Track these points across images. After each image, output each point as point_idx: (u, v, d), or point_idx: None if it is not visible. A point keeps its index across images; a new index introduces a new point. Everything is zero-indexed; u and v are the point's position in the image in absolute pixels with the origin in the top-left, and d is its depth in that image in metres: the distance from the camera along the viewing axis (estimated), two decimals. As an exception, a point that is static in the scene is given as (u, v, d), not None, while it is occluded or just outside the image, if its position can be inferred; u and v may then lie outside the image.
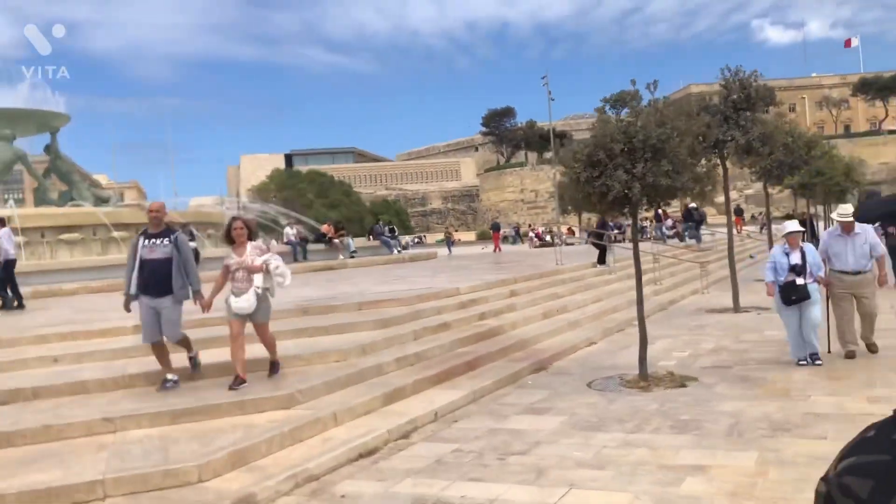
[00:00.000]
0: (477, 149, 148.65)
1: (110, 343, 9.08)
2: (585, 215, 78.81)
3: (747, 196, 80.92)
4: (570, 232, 56.99)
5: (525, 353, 9.67)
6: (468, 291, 12.85)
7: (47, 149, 29.85)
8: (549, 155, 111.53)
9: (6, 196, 27.56)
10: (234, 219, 7.51)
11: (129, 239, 25.67)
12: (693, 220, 28.67)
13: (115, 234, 23.86)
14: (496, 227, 45.66)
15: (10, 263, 13.94)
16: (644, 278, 18.13)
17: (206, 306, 7.39)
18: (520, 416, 6.83)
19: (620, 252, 19.22)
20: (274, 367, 7.55)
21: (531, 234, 49.51)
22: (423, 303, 11.36)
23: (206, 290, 7.43)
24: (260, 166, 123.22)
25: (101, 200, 29.93)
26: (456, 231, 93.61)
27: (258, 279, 7.17)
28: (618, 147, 7.29)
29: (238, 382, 6.92)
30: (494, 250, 39.58)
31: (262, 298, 7.27)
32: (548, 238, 48.04)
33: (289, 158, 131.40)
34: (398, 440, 6.23)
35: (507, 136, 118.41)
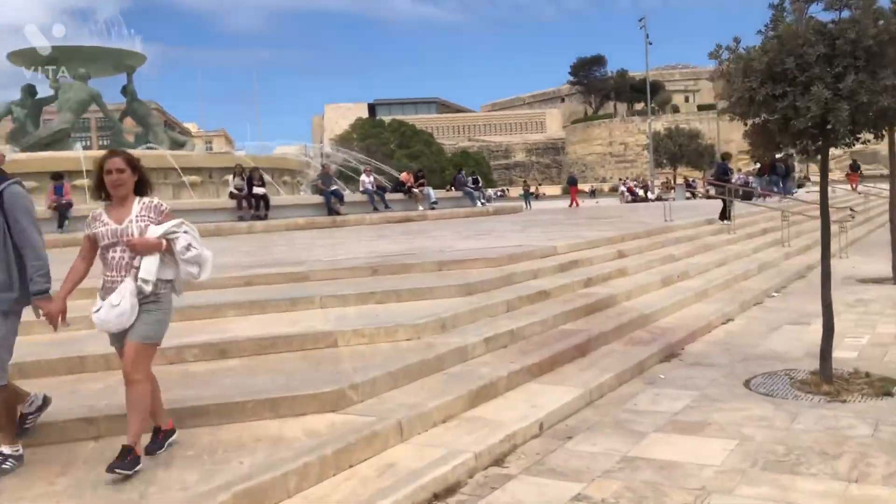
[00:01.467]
0: (563, 100, 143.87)
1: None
2: (679, 169, 74.70)
3: None
4: (667, 186, 53.59)
5: (648, 332, 7.56)
6: (568, 251, 10.75)
7: (124, 90, 28.90)
8: (640, 106, 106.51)
9: (74, 138, 26.54)
10: (109, 154, 4.22)
11: (201, 184, 24.62)
12: (776, 174, 25.77)
13: (186, 178, 22.68)
14: (573, 182, 42.92)
15: None
16: (768, 238, 15.74)
17: (54, 316, 4.11)
18: (662, 433, 4.79)
19: (741, 207, 16.67)
20: (157, 437, 4.24)
21: (622, 188, 46.48)
22: (514, 264, 9.35)
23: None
24: (343, 115, 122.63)
25: (176, 144, 28.91)
26: (539, 185, 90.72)
27: (147, 265, 3.99)
28: (814, 52, 5.01)
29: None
30: (571, 205, 37.14)
31: (153, 301, 4.06)
32: (640, 192, 45.01)
33: (372, 108, 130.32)
34: (489, 468, 4.31)
35: (596, 86, 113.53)
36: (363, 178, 21.59)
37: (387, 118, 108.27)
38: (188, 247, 4.08)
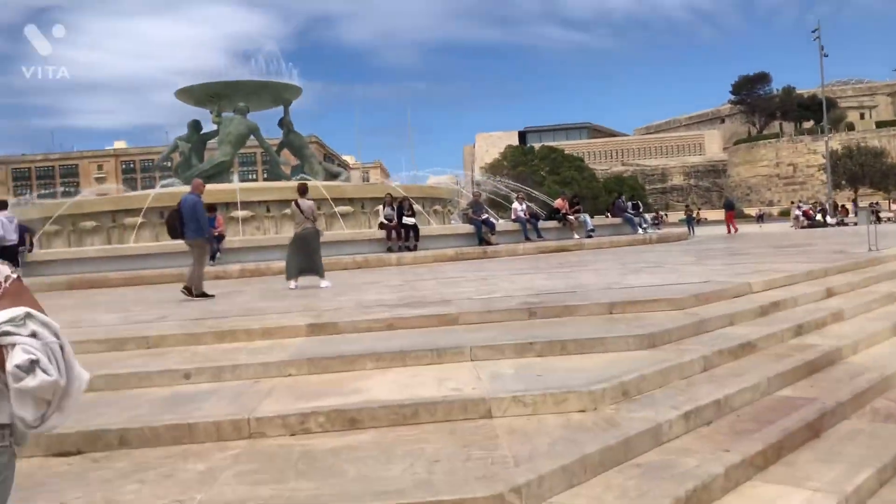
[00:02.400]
0: (723, 120, 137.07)
1: (268, 351, 6.60)
2: (861, 190, 68.04)
3: None
4: (844, 210, 48.74)
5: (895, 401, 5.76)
6: (764, 288, 8.97)
7: (281, 122, 29.53)
8: (808, 124, 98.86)
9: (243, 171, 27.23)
10: None
11: (351, 213, 24.40)
12: None
13: (337, 209, 22.47)
14: (730, 206, 39.83)
15: (9, 249, 12.66)
16: None
17: None
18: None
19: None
20: None
21: (796, 211, 42.51)
22: (703, 305, 7.75)
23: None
24: (494, 144, 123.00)
25: (331, 175, 29.15)
26: (699, 209, 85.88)
27: None
28: None
29: None
30: (728, 231, 34.25)
31: None
32: (819, 217, 40.92)
33: (522, 135, 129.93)
34: None
35: (759, 105, 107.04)
36: (515, 205, 20.44)
37: (537, 145, 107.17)
38: (30, 365, 1.85)
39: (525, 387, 5.09)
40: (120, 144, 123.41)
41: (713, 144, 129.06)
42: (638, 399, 5.08)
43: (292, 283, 11.81)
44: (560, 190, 58.35)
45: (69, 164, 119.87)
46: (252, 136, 27.71)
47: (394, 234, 17.86)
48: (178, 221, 11.06)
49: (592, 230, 21.04)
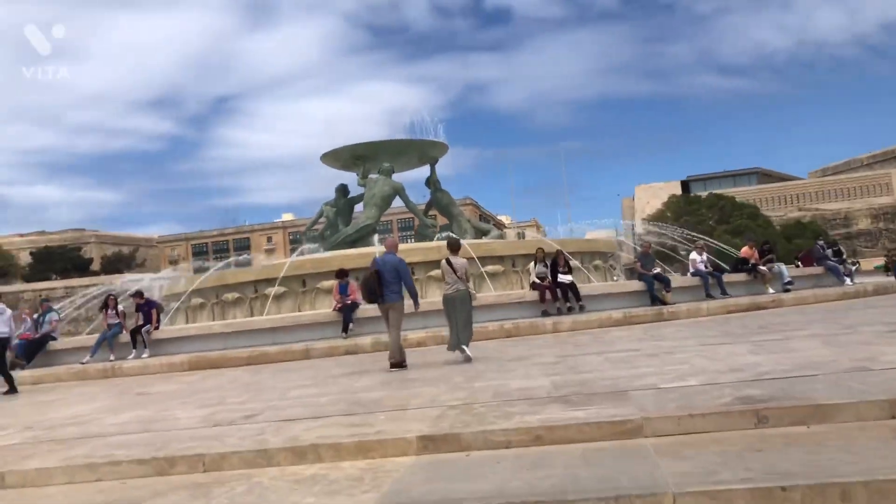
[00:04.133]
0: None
1: (353, 487, 4.32)
2: None
3: None
4: None
5: None
6: None
7: (428, 181, 28.05)
8: None
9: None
10: None
11: (501, 273, 22.14)
12: None
13: (484, 269, 20.30)
14: None
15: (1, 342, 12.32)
16: None
17: None
18: None
19: None
20: None
21: None
22: None
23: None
24: (655, 195, 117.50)
25: (481, 233, 27.13)
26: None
27: None
28: None
29: None
30: None
31: None
32: None
33: (685, 185, 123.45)
34: None
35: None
36: (694, 256, 17.29)
37: (702, 194, 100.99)
38: None
39: None
40: (287, 216, 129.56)
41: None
42: None
43: (458, 354, 10.54)
44: (731, 243, 53.24)
45: (241, 237, 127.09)
46: (398, 198, 26.37)
47: (548, 294, 15.33)
48: (377, 283, 10.30)
49: (790, 282, 17.43)
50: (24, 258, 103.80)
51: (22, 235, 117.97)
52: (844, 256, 21.56)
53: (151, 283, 25.75)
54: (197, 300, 22.95)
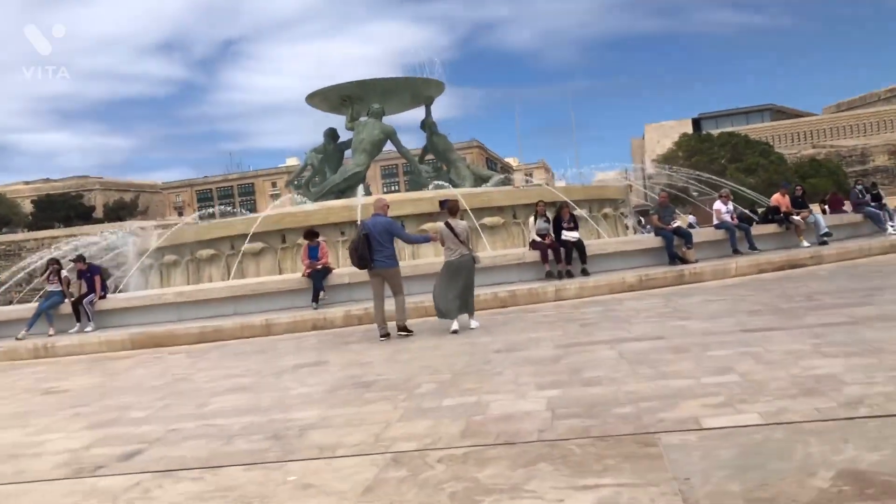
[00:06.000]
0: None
1: None
2: None
3: None
4: None
5: None
6: None
7: (423, 124, 25.65)
8: None
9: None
10: None
11: (501, 225, 20.03)
12: None
13: (482, 220, 18.21)
14: None
15: None
16: None
17: None
18: None
19: None
20: None
21: None
22: None
23: None
24: (665, 134, 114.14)
25: (481, 179, 24.85)
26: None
27: None
28: None
29: None
30: None
31: None
32: None
33: (696, 123, 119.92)
34: None
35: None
36: (718, 206, 15.05)
37: (714, 132, 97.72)
38: None
39: None
40: (292, 161, 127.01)
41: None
42: None
43: (454, 324, 9.44)
44: (744, 182, 50.53)
45: (246, 182, 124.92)
46: (389, 142, 24.04)
47: (550, 254, 13.25)
48: (367, 248, 9.51)
49: (828, 233, 15.25)
50: (29, 207, 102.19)
51: (27, 183, 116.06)
52: (884, 201, 19.30)
53: (125, 237, 23.72)
54: (170, 257, 21.02)
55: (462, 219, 10.23)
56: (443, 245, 9.87)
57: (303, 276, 12.83)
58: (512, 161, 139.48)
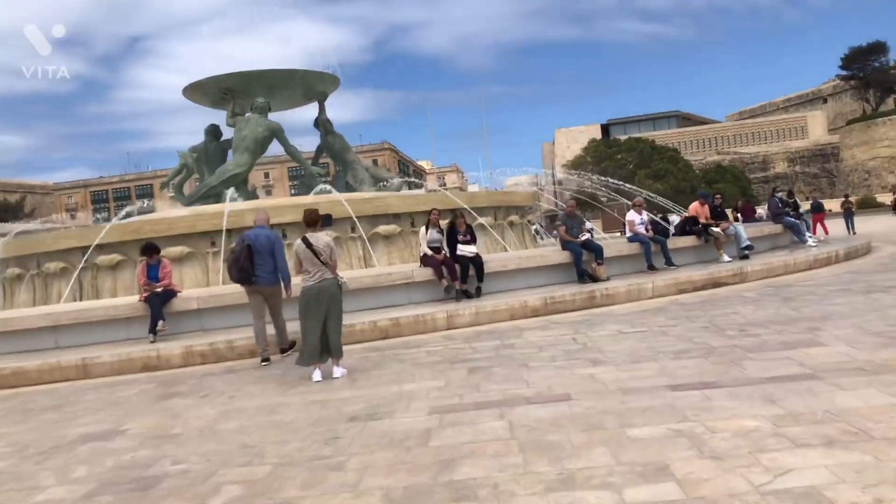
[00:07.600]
0: (825, 100, 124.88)
1: None
2: None
3: None
4: None
5: None
6: None
7: (316, 122, 23.38)
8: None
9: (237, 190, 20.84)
10: None
11: (397, 235, 18.03)
12: None
13: (378, 229, 16.23)
14: (818, 208, 27.93)
15: None
16: None
17: None
18: None
19: None
20: None
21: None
22: None
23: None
24: (575, 139, 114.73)
25: (380, 181, 22.72)
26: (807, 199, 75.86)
27: None
28: None
29: None
30: (814, 233, 23.46)
31: None
32: None
33: (605, 129, 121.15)
34: None
35: (875, 78, 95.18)
36: (632, 216, 13.47)
37: (623, 137, 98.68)
38: None
39: None
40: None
41: (817, 127, 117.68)
42: None
43: (317, 373, 7.59)
44: (653, 187, 50.09)
45: (144, 183, 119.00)
46: (275, 140, 21.63)
47: (445, 271, 11.33)
48: (249, 261, 8.84)
49: (749, 246, 13.93)
50: None
51: None
52: (801, 208, 18.33)
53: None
54: (14, 270, 18.11)
55: (329, 229, 8.31)
56: (299, 269, 7.85)
57: (139, 300, 10.42)
58: (425, 164, 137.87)
